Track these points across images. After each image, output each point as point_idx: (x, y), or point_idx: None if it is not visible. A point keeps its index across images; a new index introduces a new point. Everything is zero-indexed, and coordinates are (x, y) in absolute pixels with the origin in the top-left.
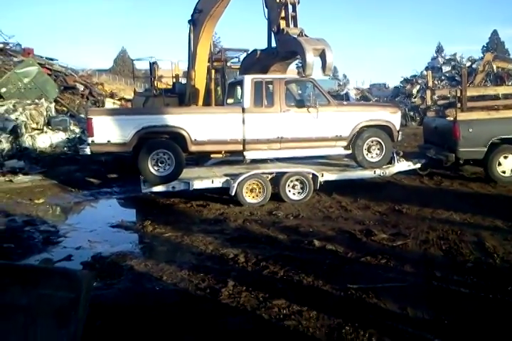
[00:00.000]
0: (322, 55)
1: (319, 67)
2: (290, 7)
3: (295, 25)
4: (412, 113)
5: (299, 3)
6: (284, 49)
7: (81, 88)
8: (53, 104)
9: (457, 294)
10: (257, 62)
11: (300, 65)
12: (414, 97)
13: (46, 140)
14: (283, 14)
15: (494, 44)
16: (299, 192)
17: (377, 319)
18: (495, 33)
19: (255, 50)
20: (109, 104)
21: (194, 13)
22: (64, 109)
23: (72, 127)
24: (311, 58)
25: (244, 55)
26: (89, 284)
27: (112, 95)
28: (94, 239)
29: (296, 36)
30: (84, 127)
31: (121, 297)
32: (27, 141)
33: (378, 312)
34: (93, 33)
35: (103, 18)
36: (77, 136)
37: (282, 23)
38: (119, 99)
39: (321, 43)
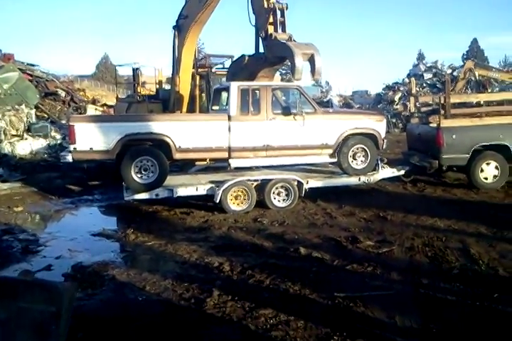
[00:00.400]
0: (311, 60)
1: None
2: (278, 12)
3: (283, 31)
4: (394, 120)
5: (287, 8)
6: (273, 54)
7: (62, 94)
8: (34, 110)
9: (444, 302)
10: (244, 67)
11: (284, 71)
12: (396, 104)
13: (26, 146)
14: (271, 19)
15: (474, 52)
16: (284, 199)
17: (366, 328)
18: (475, 40)
19: (243, 56)
20: (91, 110)
21: (179, 18)
22: (45, 115)
23: (53, 133)
24: (301, 63)
25: (229, 61)
26: (71, 297)
27: (94, 101)
28: (74, 248)
29: (285, 41)
30: (66, 133)
31: (103, 308)
32: (6, 147)
33: (366, 321)
34: (75, 38)
35: (85, 24)
36: (58, 142)
37: (270, 29)
38: (101, 106)
39: (310, 48)
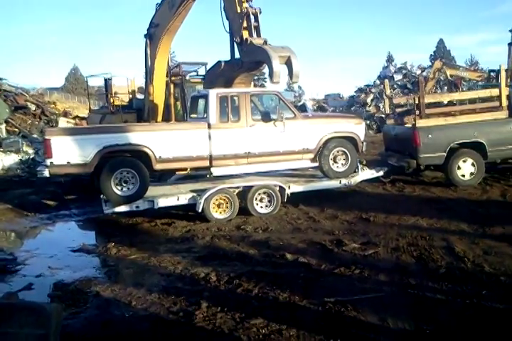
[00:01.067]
0: (288, 63)
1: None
2: (252, 17)
3: (258, 35)
4: (368, 121)
5: (260, 13)
6: (249, 59)
7: (33, 107)
8: (4, 125)
9: (434, 301)
10: (221, 74)
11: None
12: (369, 106)
13: None
14: (245, 24)
15: (441, 52)
16: (266, 205)
17: (359, 333)
18: (441, 41)
19: (219, 62)
20: (63, 123)
21: (150, 27)
22: (15, 129)
23: (24, 148)
24: (278, 66)
25: (203, 68)
26: (58, 318)
27: (65, 114)
28: (55, 265)
29: (260, 45)
30: (38, 148)
31: (88, 326)
32: None
33: (359, 326)
34: (42, 51)
35: (52, 36)
36: (31, 157)
37: (245, 34)
38: (73, 118)
39: (286, 51)
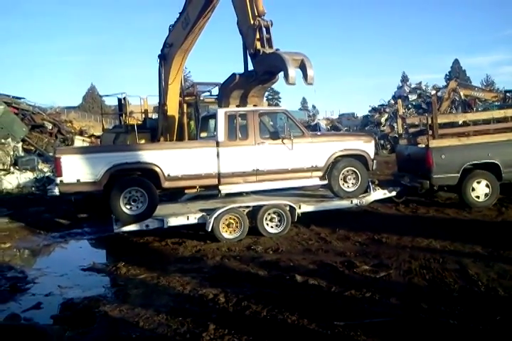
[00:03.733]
0: (302, 66)
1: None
2: (264, 30)
3: (270, 47)
4: (382, 141)
5: (272, 25)
6: (263, 67)
7: (49, 126)
8: (20, 143)
9: (446, 326)
10: (235, 87)
11: (271, 97)
12: (383, 126)
13: (13, 180)
14: (258, 36)
15: (456, 72)
16: (276, 225)
17: None
18: (456, 61)
19: (233, 74)
20: (79, 141)
21: (164, 47)
22: (32, 148)
23: (40, 166)
24: (292, 68)
25: (216, 88)
26: (60, 340)
27: (81, 132)
28: (64, 284)
29: (273, 51)
30: (53, 166)
31: None
32: None
33: None
34: (61, 70)
35: (70, 55)
36: (46, 175)
37: (258, 45)
38: (88, 137)
39: (299, 55)
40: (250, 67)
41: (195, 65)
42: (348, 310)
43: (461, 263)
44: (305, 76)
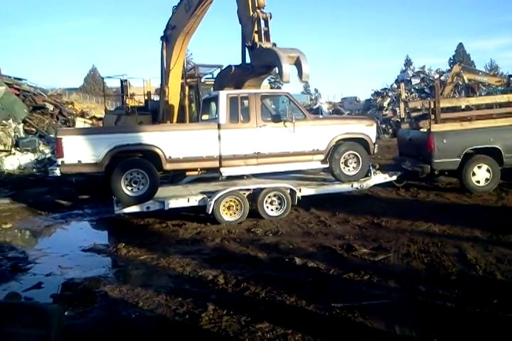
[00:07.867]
0: (297, 63)
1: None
2: (262, 22)
3: (267, 40)
4: (384, 125)
5: (271, 18)
6: (259, 62)
7: (51, 108)
8: (22, 124)
9: (444, 309)
10: (231, 78)
11: (273, 80)
12: (386, 110)
13: (14, 162)
14: (256, 29)
15: (460, 56)
16: (277, 208)
17: (365, 339)
18: (460, 45)
19: (229, 66)
20: (80, 123)
21: (167, 29)
22: (33, 129)
23: (41, 148)
24: (287, 66)
25: (218, 70)
26: (59, 319)
27: (82, 114)
28: (65, 264)
29: (269, 47)
30: (54, 147)
31: (94, 326)
32: None
33: (365, 332)
34: (62, 51)
35: (72, 36)
36: (47, 156)
37: (256, 38)
38: (90, 118)
39: (295, 52)
40: (248, 58)
41: (197, 48)
42: (346, 292)
43: (460, 247)
44: (300, 73)
